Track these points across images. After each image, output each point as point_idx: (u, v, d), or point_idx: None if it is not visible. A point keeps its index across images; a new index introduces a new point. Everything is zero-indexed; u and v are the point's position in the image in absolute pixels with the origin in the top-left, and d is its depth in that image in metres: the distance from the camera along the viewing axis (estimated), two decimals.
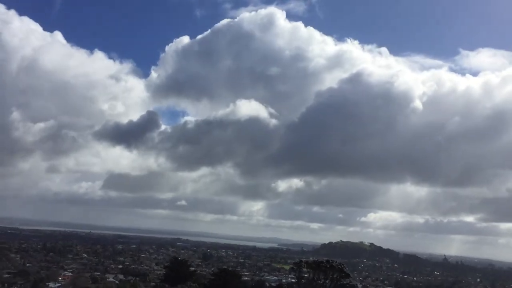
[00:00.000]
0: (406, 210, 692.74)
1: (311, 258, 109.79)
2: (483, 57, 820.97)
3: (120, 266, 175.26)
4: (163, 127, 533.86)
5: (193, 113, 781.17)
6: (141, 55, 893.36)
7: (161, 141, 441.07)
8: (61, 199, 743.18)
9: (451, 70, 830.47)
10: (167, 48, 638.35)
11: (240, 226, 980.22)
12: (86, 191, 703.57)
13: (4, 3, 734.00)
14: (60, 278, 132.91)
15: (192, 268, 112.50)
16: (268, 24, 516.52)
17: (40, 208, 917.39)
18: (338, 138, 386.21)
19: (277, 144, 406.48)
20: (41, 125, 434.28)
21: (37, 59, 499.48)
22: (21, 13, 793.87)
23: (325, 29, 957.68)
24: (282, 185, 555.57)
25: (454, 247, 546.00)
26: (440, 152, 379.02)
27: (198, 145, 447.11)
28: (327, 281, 76.17)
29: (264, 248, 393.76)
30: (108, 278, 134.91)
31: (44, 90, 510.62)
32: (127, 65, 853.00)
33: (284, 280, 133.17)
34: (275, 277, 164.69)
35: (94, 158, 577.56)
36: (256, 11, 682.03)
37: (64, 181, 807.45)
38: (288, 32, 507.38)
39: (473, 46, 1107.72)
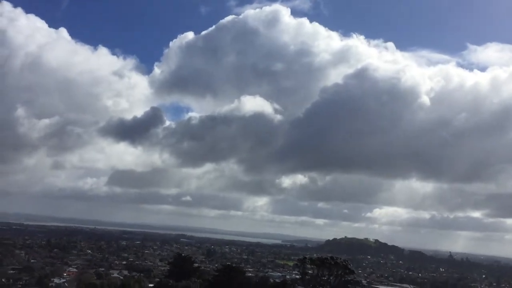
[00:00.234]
0: (412, 206, 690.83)
1: (315, 255, 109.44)
2: (490, 51, 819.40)
3: (124, 262, 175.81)
4: (167, 123, 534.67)
5: (198, 109, 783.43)
6: (144, 51, 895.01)
7: (166, 137, 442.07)
8: (66, 195, 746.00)
9: (459, 65, 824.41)
10: (171, 44, 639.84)
11: (245, 222, 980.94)
12: (91, 187, 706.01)
13: (11, 1, 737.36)
14: (65, 274, 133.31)
15: (196, 264, 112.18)
16: (273, 20, 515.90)
17: (45, 204, 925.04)
18: (343, 134, 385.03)
19: (281, 140, 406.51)
20: (46, 121, 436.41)
21: (43, 55, 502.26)
22: (27, 10, 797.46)
23: (331, 25, 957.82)
24: (287, 181, 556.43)
25: (460, 244, 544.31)
26: (447, 148, 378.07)
27: (203, 141, 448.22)
28: (331, 278, 75.79)
29: (268, 244, 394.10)
30: (113, 274, 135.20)
31: (49, 86, 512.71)
32: (131, 61, 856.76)
33: (288, 277, 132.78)
34: (279, 274, 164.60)
35: (99, 154, 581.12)
36: (261, 8, 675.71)
37: (69, 177, 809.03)
38: (293, 28, 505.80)
39: (481, 41, 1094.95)
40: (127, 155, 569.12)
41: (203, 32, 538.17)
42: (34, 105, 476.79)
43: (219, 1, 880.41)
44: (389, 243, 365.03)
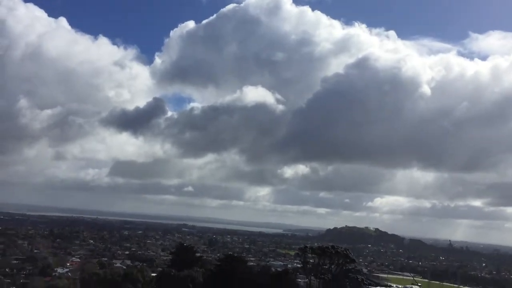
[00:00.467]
0: (413, 195, 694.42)
1: (316, 244, 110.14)
2: (492, 39, 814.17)
3: (127, 252, 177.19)
4: (169, 113, 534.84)
5: (199, 99, 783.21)
6: (145, 41, 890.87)
7: (167, 127, 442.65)
8: (68, 185, 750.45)
9: (460, 54, 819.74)
10: (171, 33, 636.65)
11: (246, 212, 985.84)
12: (93, 178, 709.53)
13: None
14: (68, 264, 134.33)
15: (198, 254, 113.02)
16: (275, 8, 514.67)
17: (47, 194, 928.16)
18: (344, 124, 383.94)
19: (283, 130, 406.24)
20: (48, 111, 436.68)
21: (43, 45, 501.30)
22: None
23: (333, 13, 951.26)
24: (289, 171, 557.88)
25: (460, 232, 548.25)
26: (448, 137, 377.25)
27: (205, 132, 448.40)
28: (332, 266, 76.65)
29: (270, 234, 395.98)
30: (116, 263, 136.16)
31: (50, 77, 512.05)
32: (131, 51, 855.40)
33: (289, 266, 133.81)
34: (280, 263, 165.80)
35: (101, 145, 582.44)
36: None
37: (71, 167, 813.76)
38: (295, 17, 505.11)
39: (483, 29, 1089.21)
40: (129, 146, 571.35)
41: (204, 21, 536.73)
42: (35, 95, 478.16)
43: None
44: (390, 232, 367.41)
